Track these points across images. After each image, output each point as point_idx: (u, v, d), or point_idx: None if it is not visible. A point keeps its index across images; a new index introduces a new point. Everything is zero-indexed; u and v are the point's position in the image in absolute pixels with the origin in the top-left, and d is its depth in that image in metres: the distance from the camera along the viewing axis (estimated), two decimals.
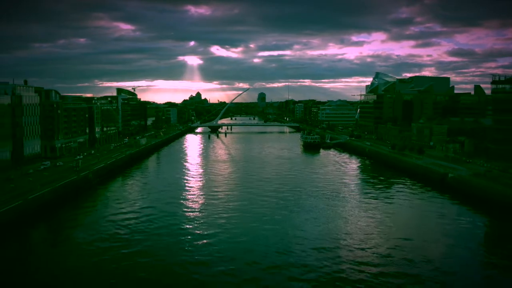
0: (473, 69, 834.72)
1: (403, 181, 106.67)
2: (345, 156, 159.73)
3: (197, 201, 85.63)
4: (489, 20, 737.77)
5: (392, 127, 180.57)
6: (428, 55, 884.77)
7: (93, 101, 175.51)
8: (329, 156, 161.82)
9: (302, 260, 51.98)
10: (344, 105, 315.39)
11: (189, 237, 61.90)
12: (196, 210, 78.17)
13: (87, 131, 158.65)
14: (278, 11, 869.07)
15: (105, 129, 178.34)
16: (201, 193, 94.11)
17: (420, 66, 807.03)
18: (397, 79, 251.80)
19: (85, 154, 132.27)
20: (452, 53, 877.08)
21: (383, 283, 45.56)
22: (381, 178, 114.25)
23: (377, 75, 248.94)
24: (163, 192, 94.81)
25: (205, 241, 59.52)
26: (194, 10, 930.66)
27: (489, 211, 75.79)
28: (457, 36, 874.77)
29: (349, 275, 47.61)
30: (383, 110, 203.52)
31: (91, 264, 51.43)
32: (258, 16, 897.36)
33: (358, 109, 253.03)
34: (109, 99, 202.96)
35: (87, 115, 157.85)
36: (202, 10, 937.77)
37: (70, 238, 63.05)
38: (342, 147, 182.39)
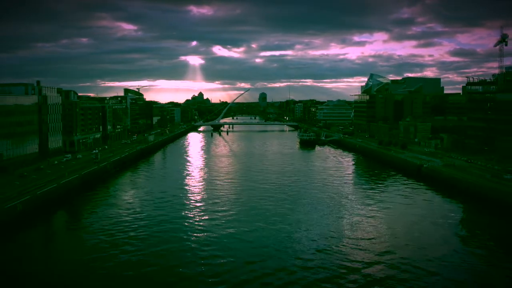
0: (475, 69, 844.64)
1: (386, 171, 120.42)
2: (338, 152, 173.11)
3: (202, 189, 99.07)
4: (490, 20, 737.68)
5: (382, 125, 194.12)
6: (429, 55, 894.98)
7: (106, 100, 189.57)
8: (323, 151, 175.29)
9: (299, 241, 59.33)
10: (342, 105, 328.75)
11: (193, 220, 70.64)
12: (200, 196, 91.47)
13: (101, 128, 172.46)
14: (280, 11, 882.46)
15: (116, 126, 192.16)
16: (206, 182, 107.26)
17: (422, 66, 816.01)
18: (390, 80, 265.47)
19: (100, 149, 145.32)
20: (454, 53, 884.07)
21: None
22: (368, 169, 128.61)
23: (371, 76, 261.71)
24: (171, 181, 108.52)
25: (207, 225, 67.68)
26: (196, 10, 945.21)
27: (452, 193, 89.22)
28: (459, 36, 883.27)
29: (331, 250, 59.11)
30: (376, 110, 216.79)
31: (107, 241, 60.49)
32: (260, 16, 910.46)
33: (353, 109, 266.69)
34: (119, 99, 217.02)
35: (100, 114, 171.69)
36: (204, 10, 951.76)
37: (94, 216, 74.54)
38: (336, 144, 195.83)
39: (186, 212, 76.40)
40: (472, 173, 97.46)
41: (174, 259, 53.32)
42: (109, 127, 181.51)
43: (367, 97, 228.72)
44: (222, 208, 77.79)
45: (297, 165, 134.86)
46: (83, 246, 59.02)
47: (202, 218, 72.34)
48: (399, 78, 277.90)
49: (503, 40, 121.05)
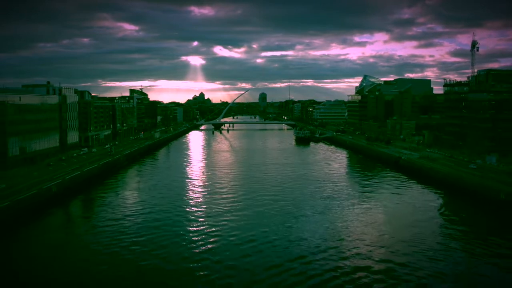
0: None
1: (370, 163, 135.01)
2: (330, 148, 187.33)
3: (205, 180, 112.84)
4: (491, 21, 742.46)
5: (373, 124, 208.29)
6: (430, 56, 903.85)
7: (115, 100, 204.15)
8: (317, 147, 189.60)
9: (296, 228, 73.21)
10: (338, 104, 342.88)
11: (196, 209, 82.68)
12: (204, 186, 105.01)
13: (111, 126, 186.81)
14: (281, 12, 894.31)
15: (124, 124, 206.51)
16: (208, 174, 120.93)
17: (422, 66, 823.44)
18: (383, 81, 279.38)
19: (111, 144, 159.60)
20: (454, 53, 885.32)
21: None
22: (355, 162, 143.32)
23: (365, 77, 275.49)
24: (177, 173, 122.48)
25: (210, 212, 75.18)
26: (197, 10, 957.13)
27: (423, 180, 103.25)
28: (459, 37, 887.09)
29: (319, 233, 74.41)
30: (367, 109, 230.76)
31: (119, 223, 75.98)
32: (261, 17, 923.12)
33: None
34: (126, 98, 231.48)
35: (111, 112, 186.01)
36: (206, 11, 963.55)
37: (110, 200, 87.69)
38: (329, 141, 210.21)
39: (191, 200, 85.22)
40: (441, 163, 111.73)
41: (175, 244, 57.69)
42: (118, 124, 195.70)
43: (359, 97, 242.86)
44: (223, 196, 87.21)
45: (291, 159, 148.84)
46: (101, 225, 68.51)
47: (205, 206, 78.56)
48: (399, 78, 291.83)
49: (473, 46, 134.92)
